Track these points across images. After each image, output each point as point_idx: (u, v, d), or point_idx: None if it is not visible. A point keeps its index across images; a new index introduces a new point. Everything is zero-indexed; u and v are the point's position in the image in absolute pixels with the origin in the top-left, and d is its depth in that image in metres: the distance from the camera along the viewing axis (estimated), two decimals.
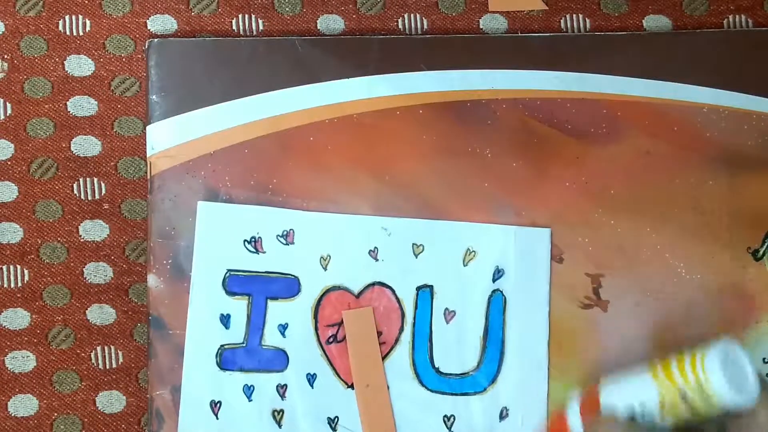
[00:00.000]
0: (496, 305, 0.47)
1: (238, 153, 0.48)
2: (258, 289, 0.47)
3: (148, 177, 0.48)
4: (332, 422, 0.47)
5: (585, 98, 0.48)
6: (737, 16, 0.50)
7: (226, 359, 0.47)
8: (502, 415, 0.47)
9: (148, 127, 0.48)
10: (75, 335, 0.49)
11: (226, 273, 0.47)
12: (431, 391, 0.47)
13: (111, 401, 0.49)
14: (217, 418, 0.47)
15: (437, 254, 0.47)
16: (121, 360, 0.49)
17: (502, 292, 0.47)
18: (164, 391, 0.47)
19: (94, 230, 0.49)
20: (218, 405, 0.47)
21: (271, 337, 0.47)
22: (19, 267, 0.49)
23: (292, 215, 0.47)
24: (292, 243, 0.47)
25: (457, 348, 0.47)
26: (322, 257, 0.47)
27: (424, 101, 0.48)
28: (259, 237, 0.47)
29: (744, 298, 0.47)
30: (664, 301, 0.47)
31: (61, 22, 0.50)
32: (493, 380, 0.47)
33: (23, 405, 0.49)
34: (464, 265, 0.47)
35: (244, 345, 0.47)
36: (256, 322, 0.47)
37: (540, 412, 0.47)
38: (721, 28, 0.50)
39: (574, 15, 0.50)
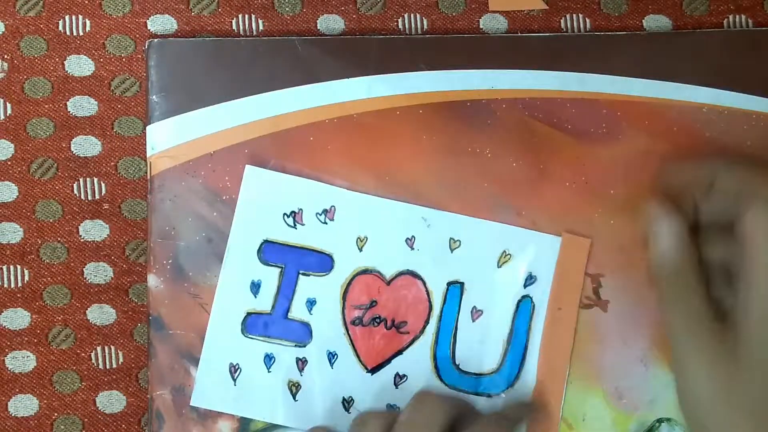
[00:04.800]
0: (524, 311, 0.47)
1: (238, 153, 0.48)
2: (292, 260, 0.47)
3: (148, 177, 0.48)
4: (347, 403, 0.47)
5: (585, 98, 0.48)
6: (737, 16, 0.50)
7: (250, 324, 0.47)
8: None
9: (148, 127, 0.48)
10: (75, 335, 0.49)
11: (263, 241, 0.47)
12: (448, 386, 0.47)
13: (111, 401, 0.49)
14: (235, 384, 0.47)
15: (473, 252, 0.47)
16: (121, 360, 0.49)
17: (531, 298, 0.47)
18: (164, 391, 0.47)
19: (94, 230, 0.49)
20: (237, 370, 0.47)
21: (297, 310, 0.47)
22: (19, 267, 0.49)
23: (336, 192, 0.47)
24: (332, 220, 0.47)
25: (479, 347, 0.47)
26: (359, 238, 0.47)
27: (424, 101, 0.48)
28: (300, 209, 0.47)
29: None
30: None
31: (61, 22, 0.50)
32: (511, 384, 0.47)
33: (23, 405, 0.49)
34: (498, 267, 0.47)
35: (271, 314, 0.47)
36: (285, 292, 0.47)
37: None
38: (721, 28, 0.50)
39: (574, 15, 0.50)
